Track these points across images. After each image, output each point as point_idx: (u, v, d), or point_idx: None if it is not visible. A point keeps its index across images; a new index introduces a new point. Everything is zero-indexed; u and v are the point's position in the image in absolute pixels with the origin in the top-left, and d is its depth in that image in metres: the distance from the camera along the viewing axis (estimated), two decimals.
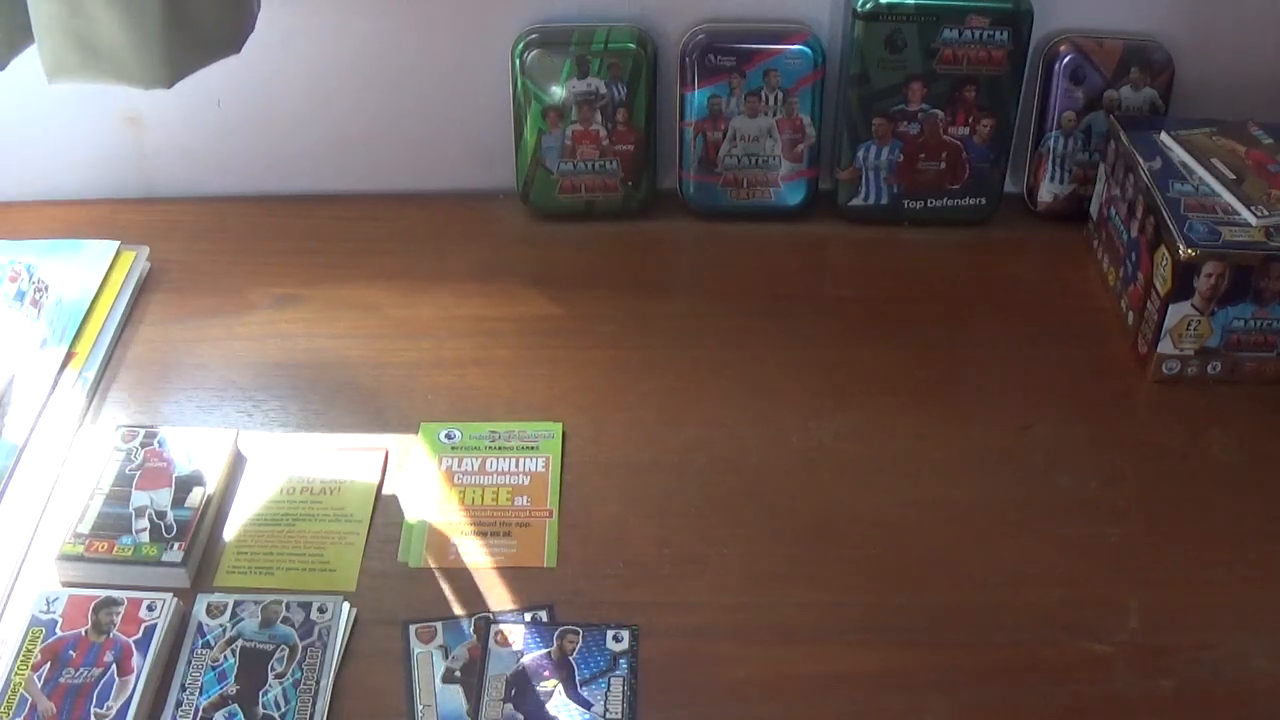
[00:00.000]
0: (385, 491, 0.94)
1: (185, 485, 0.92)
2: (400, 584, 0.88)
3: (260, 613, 0.84)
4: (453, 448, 0.97)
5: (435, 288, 1.12)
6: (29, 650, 0.82)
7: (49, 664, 0.81)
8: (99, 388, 1.02)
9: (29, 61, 0.91)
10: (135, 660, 0.81)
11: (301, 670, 0.81)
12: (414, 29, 1.14)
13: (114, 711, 0.78)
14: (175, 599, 0.85)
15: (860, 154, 1.17)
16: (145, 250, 1.13)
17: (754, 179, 1.19)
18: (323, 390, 1.02)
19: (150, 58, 0.87)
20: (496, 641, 0.84)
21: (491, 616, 0.85)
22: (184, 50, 0.89)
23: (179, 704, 0.80)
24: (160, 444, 0.95)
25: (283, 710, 0.79)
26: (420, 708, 0.80)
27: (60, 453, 0.96)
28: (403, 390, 1.02)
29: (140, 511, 0.90)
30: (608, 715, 0.80)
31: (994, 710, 0.81)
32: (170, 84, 0.89)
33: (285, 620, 0.84)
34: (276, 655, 0.82)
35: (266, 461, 0.96)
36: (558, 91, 1.14)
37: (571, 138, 1.16)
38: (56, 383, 1.01)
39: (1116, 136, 1.11)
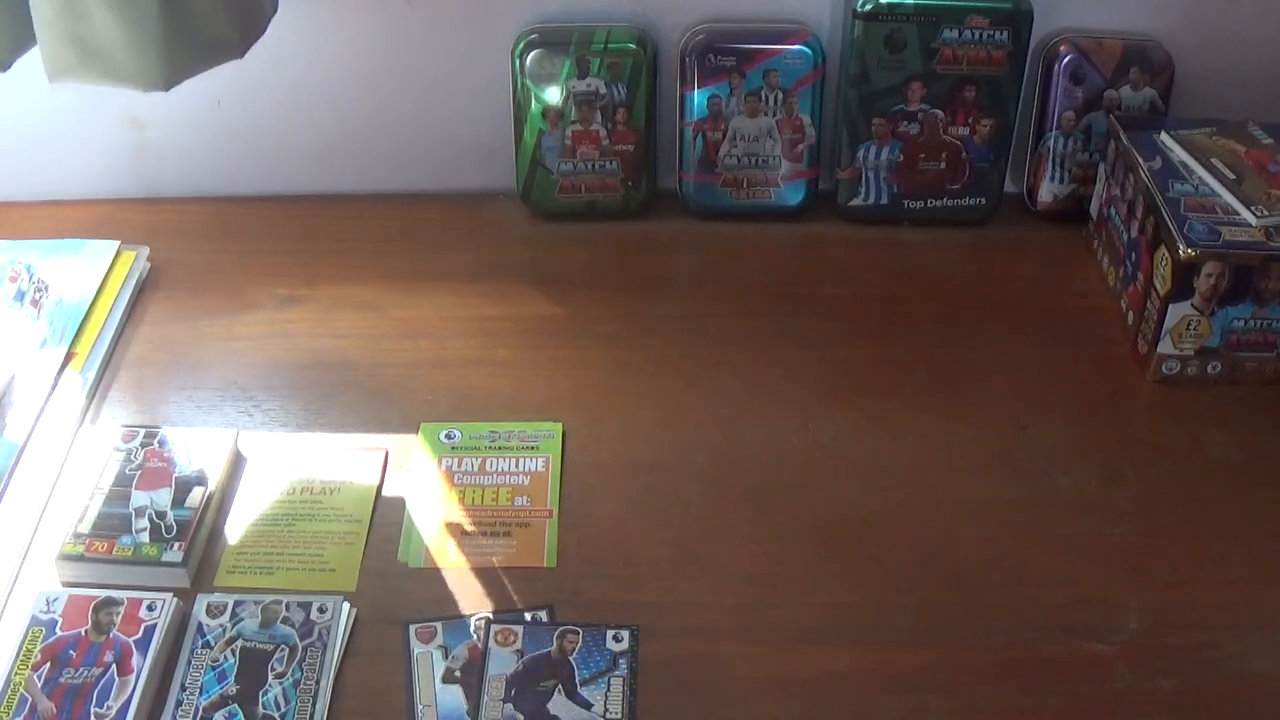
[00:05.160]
0: (385, 491, 0.94)
1: (185, 485, 0.92)
2: (400, 584, 0.88)
3: (260, 613, 0.84)
4: (453, 448, 0.97)
5: (435, 288, 1.12)
6: (29, 650, 0.82)
7: (49, 664, 0.81)
8: (99, 388, 1.02)
9: (30, 62, 0.92)
10: (135, 660, 0.81)
11: (301, 670, 0.81)
12: (414, 29, 1.14)
13: (114, 711, 0.78)
14: (175, 599, 0.85)
15: (860, 154, 1.17)
16: (145, 250, 1.13)
17: (754, 179, 1.19)
18: (323, 390, 1.02)
19: (148, 60, 0.87)
20: (496, 641, 0.84)
21: (491, 616, 0.85)
22: (183, 53, 0.89)
23: (179, 704, 0.80)
24: (160, 444, 0.95)
25: (283, 710, 0.79)
26: (420, 708, 0.80)
27: (60, 453, 0.96)
28: (403, 390, 1.02)
29: (140, 511, 0.90)
30: (608, 715, 0.80)
31: (994, 710, 0.81)
32: (168, 86, 0.89)
33: (285, 620, 0.84)
34: (276, 655, 0.82)
35: (266, 461, 0.96)
36: (557, 91, 1.14)
37: (571, 138, 1.16)
38: (56, 383, 1.01)
39: (1116, 136, 1.11)
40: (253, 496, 0.94)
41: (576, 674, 0.82)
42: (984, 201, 1.20)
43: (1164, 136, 1.09)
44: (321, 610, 0.85)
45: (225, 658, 0.82)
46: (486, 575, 0.89)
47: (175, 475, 0.93)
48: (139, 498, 0.91)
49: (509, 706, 0.80)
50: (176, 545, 0.88)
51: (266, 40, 0.99)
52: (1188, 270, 0.98)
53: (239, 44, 0.93)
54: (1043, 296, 1.14)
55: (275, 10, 0.98)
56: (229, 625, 0.84)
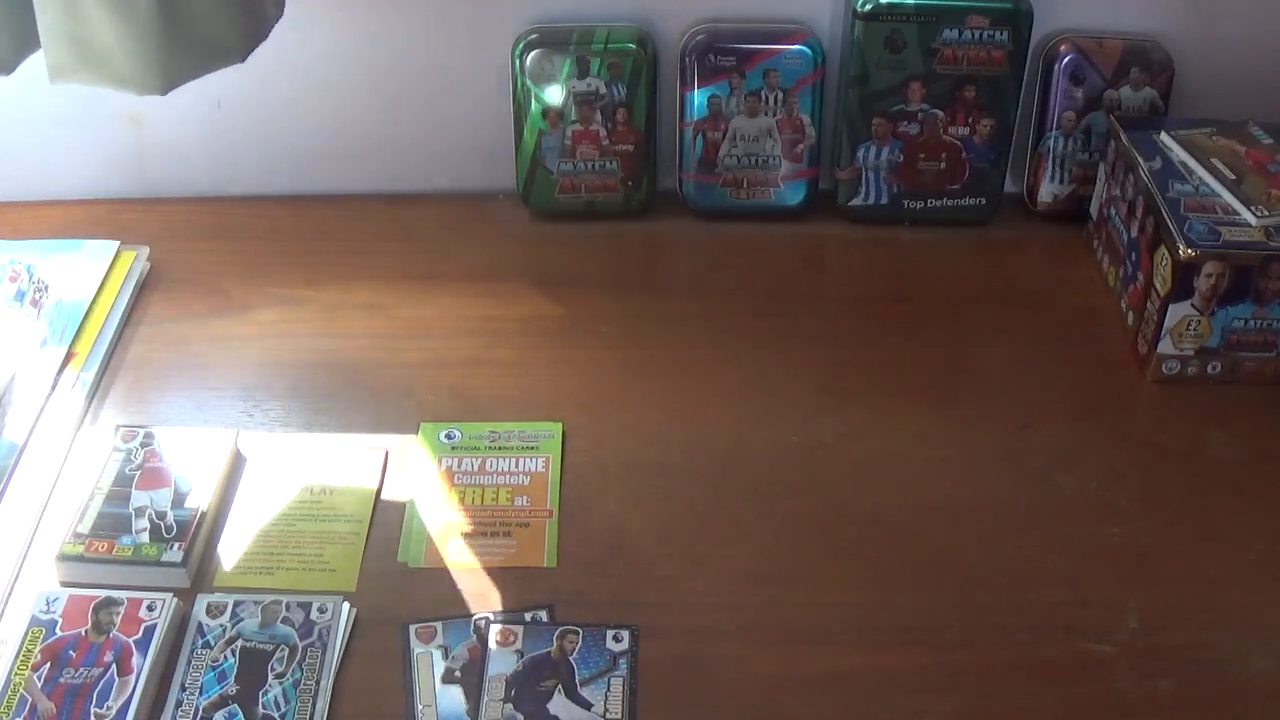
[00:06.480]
0: (385, 492, 0.94)
1: (185, 485, 0.92)
2: (400, 584, 0.88)
3: (260, 613, 0.84)
4: (453, 448, 0.97)
5: (435, 288, 1.12)
6: (29, 650, 0.81)
7: (49, 664, 0.81)
8: (99, 388, 1.02)
9: (30, 63, 0.92)
10: (135, 660, 0.81)
11: (301, 670, 0.81)
12: (414, 29, 1.14)
13: (114, 711, 0.78)
14: (175, 599, 0.85)
15: (860, 154, 1.18)
16: (145, 250, 1.13)
17: (754, 179, 1.19)
18: (323, 390, 1.02)
19: (145, 64, 0.87)
20: (496, 641, 0.84)
21: (491, 616, 0.85)
22: (181, 57, 0.88)
23: (179, 704, 0.80)
24: (160, 444, 0.95)
25: (283, 710, 0.79)
26: (420, 708, 0.80)
27: (60, 453, 0.96)
28: (403, 390, 1.02)
29: (140, 511, 0.90)
30: (608, 715, 0.80)
31: (994, 710, 0.81)
32: (165, 91, 0.89)
33: (285, 620, 0.84)
34: (276, 655, 0.82)
35: (266, 461, 0.96)
36: (558, 91, 1.14)
37: (571, 138, 1.16)
38: (56, 383, 1.01)
39: (1116, 136, 1.11)
40: (253, 496, 0.94)
41: (576, 674, 0.82)
42: (984, 201, 1.20)
43: (1164, 136, 1.09)
44: (321, 610, 0.85)
45: (225, 658, 0.82)
46: (486, 575, 0.89)
47: (175, 475, 0.93)
48: (139, 498, 0.91)
49: (509, 706, 0.80)
50: (176, 545, 0.88)
51: (267, 41, 0.99)
52: (1188, 270, 0.98)
53: (240, 49, 0.92)
54: (1043, 296, 1.14)
55: (280, 14, 0.98)
56: (229, 625, 0.84)
